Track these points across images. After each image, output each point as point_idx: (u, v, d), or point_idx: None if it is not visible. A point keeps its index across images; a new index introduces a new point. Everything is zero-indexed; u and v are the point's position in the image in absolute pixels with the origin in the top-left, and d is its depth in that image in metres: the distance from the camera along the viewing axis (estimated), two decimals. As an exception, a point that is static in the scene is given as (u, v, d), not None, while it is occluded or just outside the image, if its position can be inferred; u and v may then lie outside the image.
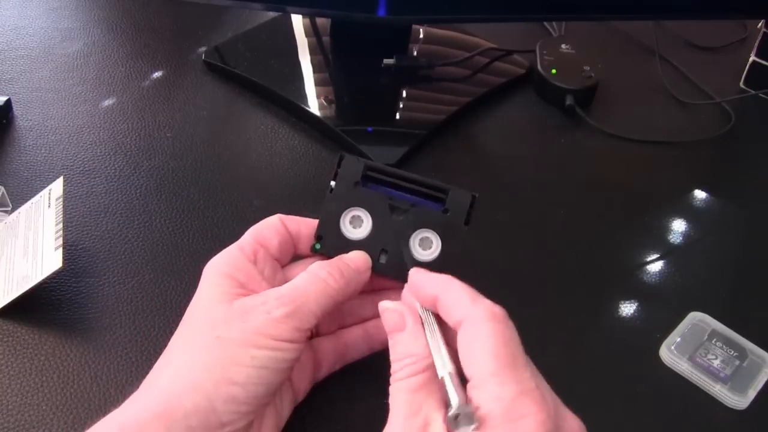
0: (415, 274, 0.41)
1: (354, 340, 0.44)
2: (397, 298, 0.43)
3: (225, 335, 0.37)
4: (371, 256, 0.42)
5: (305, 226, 0.43)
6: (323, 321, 0.42)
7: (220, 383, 0.35)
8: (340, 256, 0.42)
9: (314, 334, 0.44)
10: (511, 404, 0.32)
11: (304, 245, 0.43)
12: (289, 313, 0.37)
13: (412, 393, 0.35)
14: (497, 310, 0.36)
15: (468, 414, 0.32)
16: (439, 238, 0.43)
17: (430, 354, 0.36)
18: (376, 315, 0.43)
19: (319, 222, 0.43)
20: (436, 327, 0.38)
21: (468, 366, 0.35)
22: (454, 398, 0.34)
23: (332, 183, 0.43)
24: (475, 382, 0.34)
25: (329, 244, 0.42)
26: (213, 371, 0.36)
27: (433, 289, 0.38)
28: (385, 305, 0.39)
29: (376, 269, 0.42)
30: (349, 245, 0.42)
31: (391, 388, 0.36)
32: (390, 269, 0.42)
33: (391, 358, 0.37)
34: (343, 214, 0.43)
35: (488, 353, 0.34)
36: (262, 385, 0.36)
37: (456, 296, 0.37)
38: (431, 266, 0.42)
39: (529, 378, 0.33)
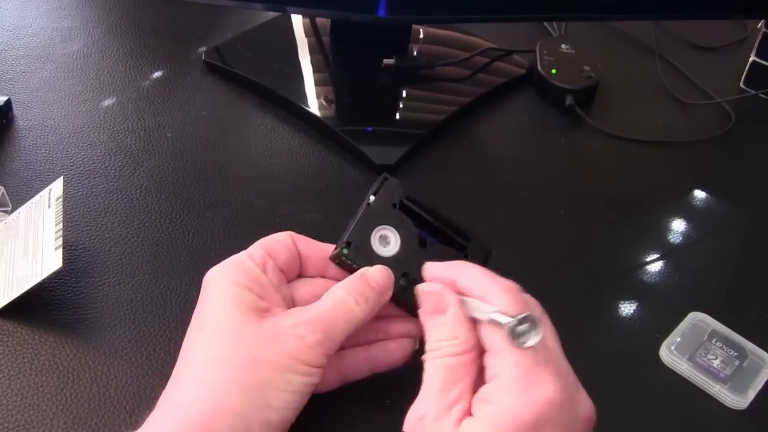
0: (429, 264, 0.41)
1: (356, 362, 0.43)
2: (401, 327, 0.44)
3: (261, 357, 0.36)
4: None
5: (315, 248, 0.43)
6: None
7: (259, 408, 0.35)
8: (362, 272, 0.41)
9: None
10: (529, 371, 0.34)
11: (312, 267, 0.43)
12: (321, 340, 0.38)
13: (451, 370, 0.36)
14: (513, 284, 0.38)
15: (533, 320, 0.34)
16: None
17: (474, 338, 0.37)
18: (379, 339, 0.44)
19: (352, 230, 0.43)
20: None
21: (488, 337, 0.36)
22: (503, 315, 0.35)
23: (371, 197, 0.43)
24: (495, 350, 0.36)
25: (357, 252, 0.42)
26: (251, 395, 0.36)
27: (450, 273, 0.40)
28: (424, 288, 0.40)
29: (395, 290, 0.42)
30: (375, 259, 0.42)
31: (427, 364, 0.37)
32: (407, 295, 0.42)
33: (430, 337, 0.38)
34: (375, 230, 0.43)
35: None
36: (294, 410, 0.37)
37: (472, 276, 0.39)
38: None
39: (548, 350, 0.35)
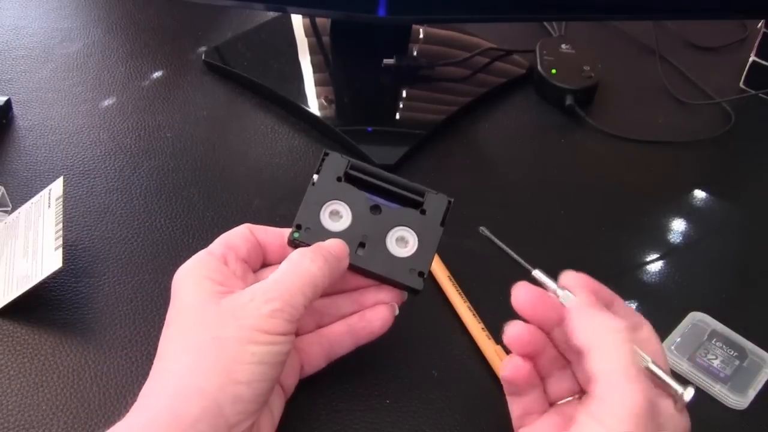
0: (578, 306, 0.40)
1: (337, 336, 0.44)
2: (374, 296, 0.44)
3: (221, 335, 0.37)
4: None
5: (274, 235, 0.44)
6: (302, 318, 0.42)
7: (226, 384, 0.35)
8: (318, 244, 0.42)
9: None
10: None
11: (274, 254, 0.44)
12: (279, 307, 0.37)
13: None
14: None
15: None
16: (415, 236, 0.44)
17: None
18: (355, 311, 0.44)
19: (299, 212, 0.43)
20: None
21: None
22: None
23: (315, 176, 0.44)
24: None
25: (308, 232, 0.43)
26: (216, 373, 0.36)
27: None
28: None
29: (352, 260, 0.42)
30: (328, 235, 0.43)
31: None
32: (366, 262, 0.43)
33: None
34: (324, 207, 0.43)
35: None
36: (265, 381, 0.37)
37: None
38: (406, 262, 0.43)
39: None
